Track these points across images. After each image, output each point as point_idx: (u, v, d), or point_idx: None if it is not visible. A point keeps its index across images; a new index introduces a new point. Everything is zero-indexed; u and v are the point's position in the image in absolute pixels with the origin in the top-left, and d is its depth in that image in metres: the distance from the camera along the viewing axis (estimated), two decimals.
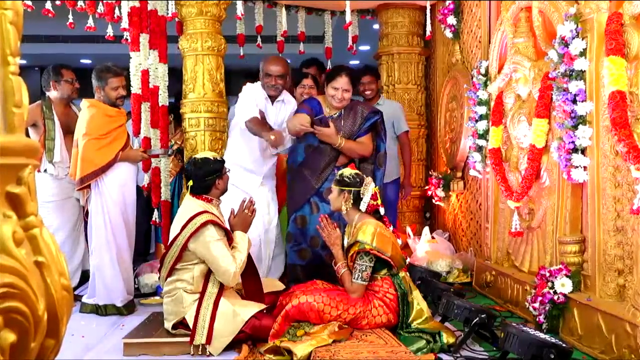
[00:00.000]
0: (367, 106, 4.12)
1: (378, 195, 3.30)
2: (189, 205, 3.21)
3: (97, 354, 3.10)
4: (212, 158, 3.29)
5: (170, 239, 3.16)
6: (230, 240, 3.21)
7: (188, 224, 3.08)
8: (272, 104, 4.02)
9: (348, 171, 3.37)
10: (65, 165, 4.19)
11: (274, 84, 3.93)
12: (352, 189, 3.29)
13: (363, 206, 3.27)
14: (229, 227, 3.24)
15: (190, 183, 3.24)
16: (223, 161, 3.35)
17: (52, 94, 4.24)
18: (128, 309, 3.86)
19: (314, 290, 3.20)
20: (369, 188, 3.28)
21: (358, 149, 3.95)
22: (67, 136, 4.20)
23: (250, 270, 3.27)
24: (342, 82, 3.87)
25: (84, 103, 3.92)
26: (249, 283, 3.29)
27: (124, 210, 3.92)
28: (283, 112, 4.05)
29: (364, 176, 3.36)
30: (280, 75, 3.93)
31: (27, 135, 4.11)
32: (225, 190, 3.35)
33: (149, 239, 5.84)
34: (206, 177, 3.22)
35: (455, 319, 3.18)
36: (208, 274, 3.13)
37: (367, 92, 4.82)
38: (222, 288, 3.13)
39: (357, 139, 3.97)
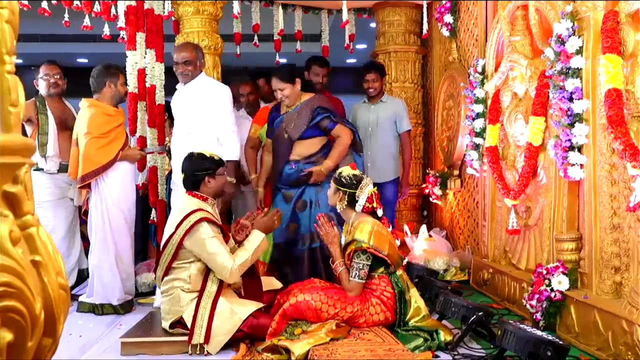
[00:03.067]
0: (320, 100, 4.08)
1: (374, 198, 3.29)
2: (184, 203, 3.21)
3: (94, 353, 3.09)
4: (207, 156, 3.29)
5: (166, 237, 3.16)
6: (226, 237, 3.21)
7: (182, 222, 3.08)
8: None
9: (347, 171, 3.35)
10: (58, 160, 4.18)
11: (181, 72, 3.88)
12: (347, 190, 3.28)
13: (358, 208, 3.27)
14: (221, 223, 3.25)
15: (182, 176, 3.25)
16: (219, 161, 3.32)
17: (40, 90, 4.28)
18: (125, 308, 3.86)
19: (312, 288, 3.20)
20: (365, 190, 3.27)
21: (340, 151, 3.98)
22: (63, 132, 4.20)
23: (249, 270, 3.27)
24: (274, 83, 3.99)
25: (83, 103, 3.93)
26: (248, 282, 3.28)
27: (124, 209, 3.92)
28: (195, 93, 3.89)
29: (362, 177, 3.34)
30: (185, 62, 3.84)
31: (24, 132, 4.14)
32: (218, 190, 3.33)
33: (147, 239, 5.83)
34: (195, 172, 3.22)
35: (452, 317, 3.18)
36: (206, 273, 3.12)
37: (371, 90, 4.78)
38: (220, 287, 3.13)
39: (334, 136, 4.01)
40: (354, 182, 3.29)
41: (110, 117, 3.91)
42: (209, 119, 3.85)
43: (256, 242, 3.21)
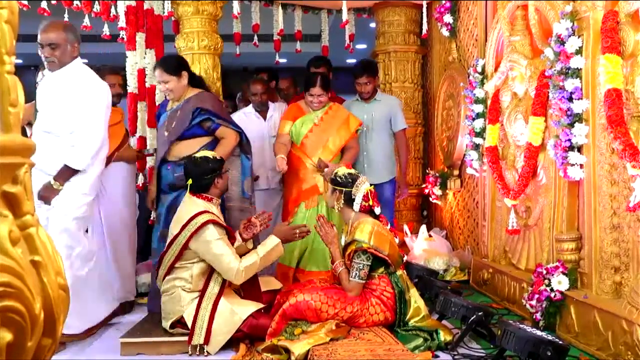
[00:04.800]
0: (203, 100, 3.72)
1: (370, 196, 3.29)
2: (190, 204, 3.21)
3: (94, 353, 3.09)
4: (211, 157, 3.30)
5: (170, 238, 3.16)
6: (232, 239, 3.21)
7: (188, 223, 3.09)
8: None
9: (342, 170, 3.37)
10: None
11: (46, 57, 3.26)
12: (343, 189, 3.29)
13: (356, 206, 3.27)
14: (226, 224, 3.26)
15: (190, 182, 3.25)
16: (222, 160, 3.37)
17: None
18: (124, 308, 3.85)
19: (312, 288, 3.20)
20: (361, 188, 3.28)
21: (221, 153, 3.55)
22: None
23: None
24: (157, 75, 3.71)
25: None
26: (246, 283, 3.28)
27: (122, 209, 3.91)
28: (62, 84, 3.25)
29: (358, 176, 3.35)
30: (50, 45, 3.21)
31: (25, 135, 4.13)
32: (225, 189, 3.37)
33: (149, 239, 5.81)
34: (205, 175, 3.23)
35: (452, 317, 3.18)
36: (209, 274, 3.13)
37: (364, 94, 4.60)
38: (222, 288, 3.13)
39: (219, 137, 3.70)
40: (349, 180, 3.30)
41: None
42: (73, 117, 3.20)
43: (269, 246, 3.19)
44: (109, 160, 3.78)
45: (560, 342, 2.48)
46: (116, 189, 3.88)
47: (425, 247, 4.80)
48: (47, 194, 3.18)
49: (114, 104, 3.94)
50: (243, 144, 3.85)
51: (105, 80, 3.84)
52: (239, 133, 3.78)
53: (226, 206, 3.78)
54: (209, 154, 3.35)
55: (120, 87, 4.01)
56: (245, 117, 5.02)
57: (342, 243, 3.33)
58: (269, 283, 3.52)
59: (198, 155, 3.34)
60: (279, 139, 4.30)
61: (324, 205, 4.07)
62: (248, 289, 3.28)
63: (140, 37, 4.65)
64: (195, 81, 3.87)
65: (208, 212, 3.14)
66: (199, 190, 3.26)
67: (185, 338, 3.01)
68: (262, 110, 4.96)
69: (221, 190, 3.34)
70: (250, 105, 5.04)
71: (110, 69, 3.96)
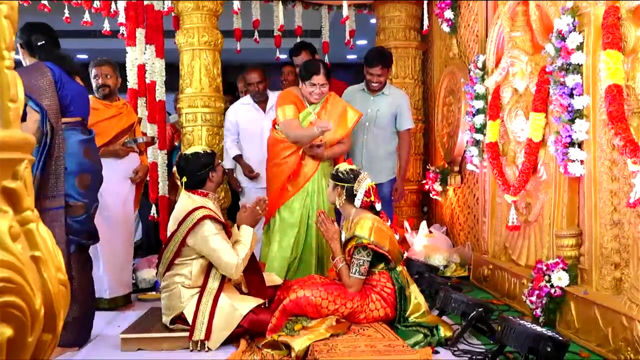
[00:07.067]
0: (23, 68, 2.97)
1: (372, 192, 3.29)
2: (186, 200, 3.22)
3: (94, 349, 3.10)
4: (202, 152, 3.30)
5: (168, 234, 3.17)
6: (228, 234, 3.22)
7: (185, 219, 3.09)
8: None
9: (343, 166, 3.38)
10: None
11: None
12: (345, 184, 3.30)
13: (357, 202, 3.27)
14: (224, 220, 3.26)
15: (184, 179, 3.24)
16: (214, 154, 3.36)
17: None
18: (116, 302, 3.84)
19: (312, 284, 3.21)
20: (363, 184, 3.28)
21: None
22: None
23: (251, 266, 3.27)
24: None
25: None
26: (251, 278, 3.29)
27: (114, 204, 3.86)
28: None
29: (360, 172, 3.35)
30: None
31: None
32: (220, 182, 3.37)
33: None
34: (198, 171, 3.23)
35: (452, 313, 3.19)
36: (208, 270, 3.13)
37: (375, 84, 4.29)
38: (222, 284, 3.14)
39: None
40: (352, 176, 3.31)
41: (93, 111, 3.72)
42: None
43: (249, 236, 3.21)
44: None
45: (560, 338, 2.48)
46: (105, 183, 3.79)
47: (426, 243, 4.80)
48: None
49: (106, 97, 3.94)
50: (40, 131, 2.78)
51: (90, 72, 3.89)
52: (41, 113, 2.78)
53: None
54: (199, 149, 3.35)
55: (107, 77, 3.94)
56: (243, 108, 4.72)
57: (342, 239, 3.33)
58: (269, 279, 3.53)
59: (189, 151, 3.33)
60: (292, 124, 3.80)
61: (314, 194, 3.88)
62: (253, 285, 3.29)
63: (140, 33, 4.65)
64: (52, 56, 3.03)
65: (204, 207, 3.14)
66: (194, 187, 3.26)
67: (186, 334, 3.02)
68: (261, 102, 4.67)
69: (217, 183, 3.33)
70: (248, 95, 4.74)
71: (96, 62, 3.98)
